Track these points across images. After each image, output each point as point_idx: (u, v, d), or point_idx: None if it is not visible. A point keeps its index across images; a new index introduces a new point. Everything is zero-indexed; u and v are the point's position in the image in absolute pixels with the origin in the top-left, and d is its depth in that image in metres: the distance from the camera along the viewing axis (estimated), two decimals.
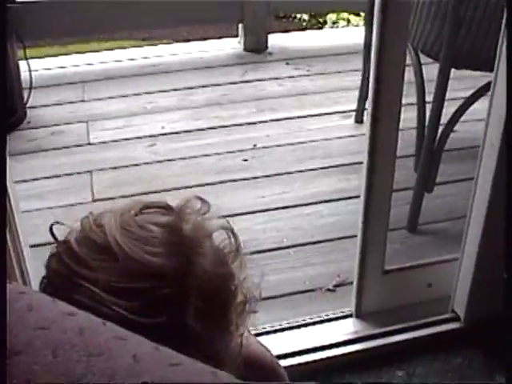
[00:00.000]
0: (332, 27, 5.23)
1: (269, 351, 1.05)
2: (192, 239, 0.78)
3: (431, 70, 2.28)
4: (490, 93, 1.66)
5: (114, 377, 0.53)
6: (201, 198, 0.84)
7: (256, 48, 3.35)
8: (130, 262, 0.75)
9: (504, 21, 1.53)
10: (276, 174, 2.53)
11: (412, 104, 2.39)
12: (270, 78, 3.13)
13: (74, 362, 0.54)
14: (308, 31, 3.95)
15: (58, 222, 0.83)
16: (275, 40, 3.44)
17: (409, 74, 2.41)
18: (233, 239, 0.85)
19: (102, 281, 0.74)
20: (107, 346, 0.57)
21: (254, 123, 2.82)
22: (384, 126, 1.67)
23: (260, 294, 0.88)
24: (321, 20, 5.84)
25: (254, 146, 2.68)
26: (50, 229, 0.83)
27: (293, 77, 3.16)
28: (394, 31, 1.57)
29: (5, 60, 2.46)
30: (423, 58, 2.35)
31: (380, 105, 1.64)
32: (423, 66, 2.37)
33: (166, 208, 0.82)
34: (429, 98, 2.30)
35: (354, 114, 2.81)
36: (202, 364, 0.59)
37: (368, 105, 1.70)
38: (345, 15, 4.87)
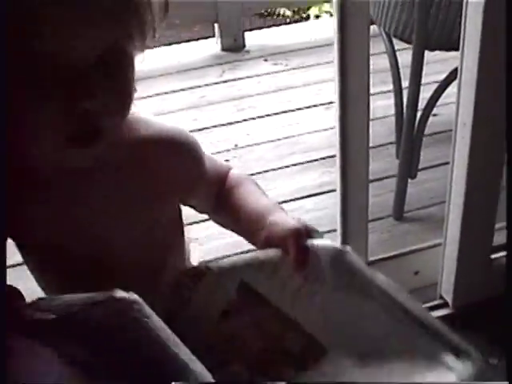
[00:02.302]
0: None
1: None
2: None
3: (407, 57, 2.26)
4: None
5: None
6: None
7: (233, 47, 3.33)
8: None
9: None
10: (258, 173, 2.49)
11: (390, 91, 2.37)
12: (249, 76, 3.10)
13: None
14: (285, 26, 3.90)
15: None
16: (252, 38, 3.42)
17: (384, 62, 2.40)
18: None
19: None
20: None
21: (234, 123, 2.79)
22: (353, 117, 1.63)
23: None
24: (304, 15, 5.82)
25: (235, 145, 2.66)
26: None
27: (271, 73, 3.13)
28: (355, 14, 1.54)
29: None
30: (397, 45, 2.33)
31: (347, 95, 1.61)
32: (399, 53, 2.35)
33: None
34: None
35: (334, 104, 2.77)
36: None
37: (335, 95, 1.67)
38: (327, 8, 4.82)
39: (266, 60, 3.23)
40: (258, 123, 2.77)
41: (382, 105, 2.55)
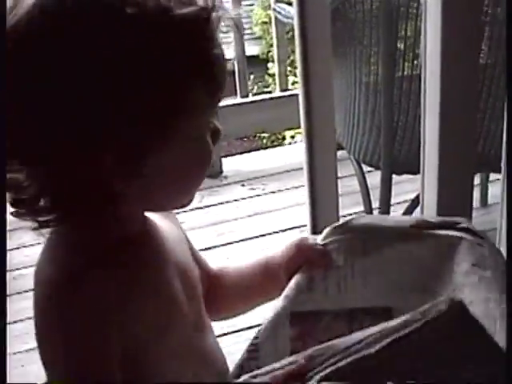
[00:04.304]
0: (290, 142, 5.40)
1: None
2: None
3: (376, 178, 2.37)
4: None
5: None
6: None
7: (211, 173, 3.44)
8: None
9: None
10: None
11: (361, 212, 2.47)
12: (227, 202, 3.21)
13: None
14: (261, 151, 4.05)
15: None
16: (230, 163, 3.55)
17: (354, 183, 2.52)
18: None
19: None
20: None
21: (214, 247, 2.87)
22: None
23: None
24: (279, 136, 6.03)
25: None
26: None
27: (249, 197, 3.24)
28: (322, 147, 1.65)
29: None
30: (366, 167, 2.44)
31: (318, 218, 1.70)
32: (368, 175, 2.47)
33: None
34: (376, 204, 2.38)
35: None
36: None
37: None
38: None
39: (243, 185, 3.34)
40: (237, 247, 2.85)
41: None
